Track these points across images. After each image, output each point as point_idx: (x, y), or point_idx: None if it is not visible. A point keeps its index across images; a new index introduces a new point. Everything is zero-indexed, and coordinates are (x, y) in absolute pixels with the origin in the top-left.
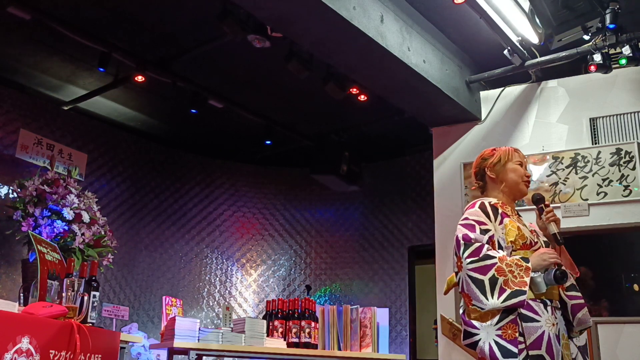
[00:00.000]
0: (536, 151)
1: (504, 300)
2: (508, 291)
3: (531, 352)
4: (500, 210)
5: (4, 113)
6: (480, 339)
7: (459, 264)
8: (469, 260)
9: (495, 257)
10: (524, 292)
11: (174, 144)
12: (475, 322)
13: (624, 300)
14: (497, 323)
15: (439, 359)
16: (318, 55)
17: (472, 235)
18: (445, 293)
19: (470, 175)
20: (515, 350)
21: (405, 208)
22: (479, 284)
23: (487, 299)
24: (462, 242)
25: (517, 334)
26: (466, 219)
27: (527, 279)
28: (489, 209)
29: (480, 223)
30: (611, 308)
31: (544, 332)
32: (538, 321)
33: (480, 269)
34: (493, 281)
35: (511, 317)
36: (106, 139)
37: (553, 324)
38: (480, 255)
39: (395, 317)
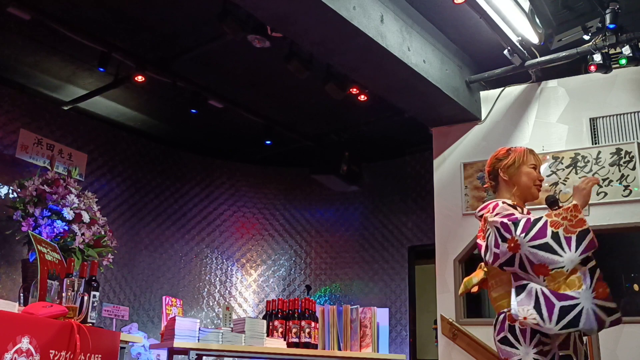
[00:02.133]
0: (536, 151)
1: (577, 248)
2: (573, 237)
3: (561, 353)
4: (518, 209)
5: (4, 113)
6: (582, 308)
7: (512, 245)
8: (524, 234)
9: (542, 217)
10: (588, 230)
11: (174, 144)
12: (571, 293)
13: (624, 300)
14: (590, 286)
15: (439, 359)
16: (318, 55)
17: (516, 215)
18: (461, 294)
19: (470, 175)
20: (614, 305)
21: (405, 208)
22: (546, 247)
23: (560, 255)
24: (509, 223)
25: (607, 290)
26: (498, 214)
27: (582, 215)
28: (509, 206)
29: (515, 210)
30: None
31: (570, 332)
32: None
33: (537, 234)
34: (555, 236)
35: (596, 275)
36: (106, 139)
37: None
38: (531, 225)
39: (395, 317)
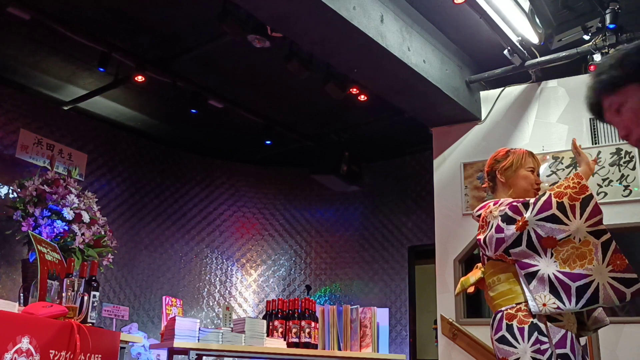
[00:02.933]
0: (536, 151)
1: (581, 215)
2: (577, 204)
3: (558, 351)
4: None
5: (4, 113)
6: (598, 283)
7: (520, 224)
8: (530, 212)
9: (545, 192)
10: (591, 195)
11: (174, 144)
12: (583, 271)
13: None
14: (603, 261)
15: (439, 359)
16: (318, 55)
17: (525, 200)
18: (457, 294)
19: (470, 175)
20: (634, 275)
21: (405, 208)
22: (553, 218)
23: (567, 224)
24: (519, 205)
25: (625, 261)
26: (502, 203)
27: (584, 182)
28: None
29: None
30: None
31: (567, 331)
32: (561, 321)
33: (543, 207)
34: (561, 206)
35: (612, 248)
36: (106, 139)
37: (573, 323)
38: (537, 200)
39: (395, 317)
